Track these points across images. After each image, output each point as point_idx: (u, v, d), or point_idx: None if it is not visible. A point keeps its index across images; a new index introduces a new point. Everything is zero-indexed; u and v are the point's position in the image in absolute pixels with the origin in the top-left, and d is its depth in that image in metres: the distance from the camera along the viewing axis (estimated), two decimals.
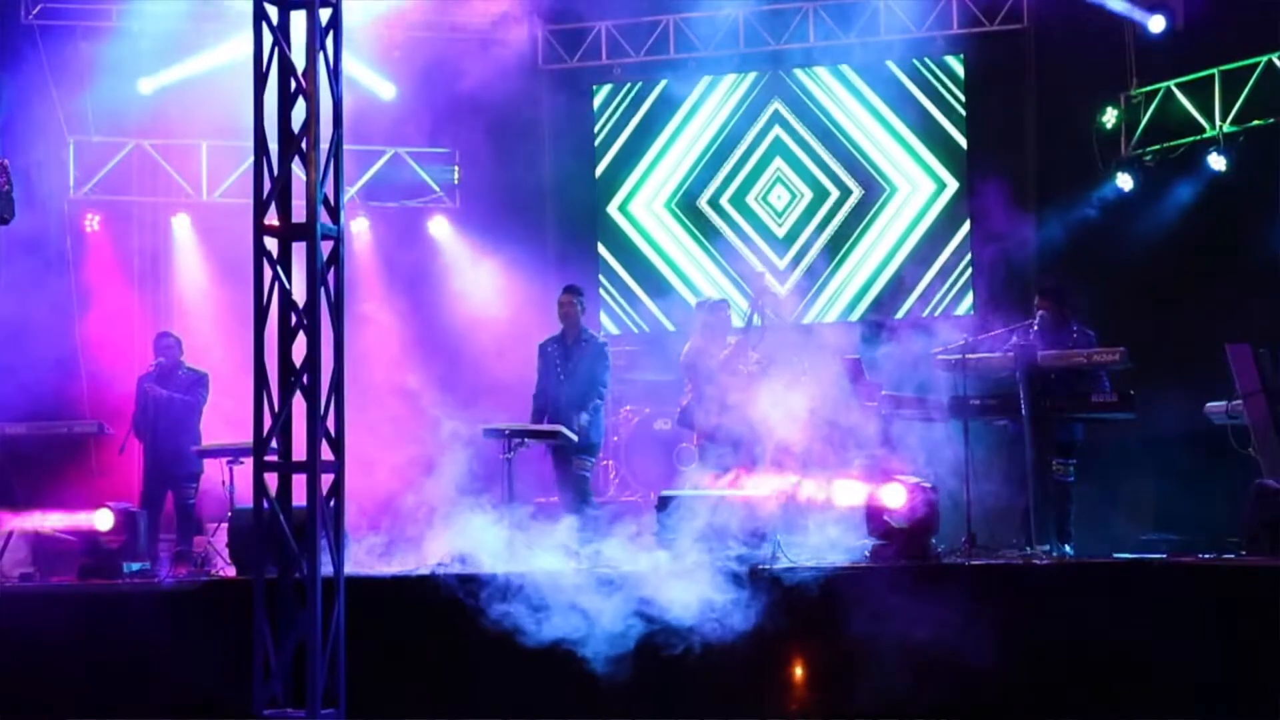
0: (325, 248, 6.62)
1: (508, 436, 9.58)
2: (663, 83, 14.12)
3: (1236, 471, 9.26)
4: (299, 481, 6.58)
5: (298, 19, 6.66)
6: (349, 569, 6.96)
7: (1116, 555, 8.83)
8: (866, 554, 8.50)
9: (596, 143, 14.25)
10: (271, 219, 6.64)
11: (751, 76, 13.98)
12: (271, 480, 6.64)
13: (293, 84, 6.66)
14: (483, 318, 13.34)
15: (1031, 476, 9.21)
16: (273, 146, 6.66)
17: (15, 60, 12.69)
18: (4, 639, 8.16)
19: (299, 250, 6.64)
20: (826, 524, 8.96)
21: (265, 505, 6.59)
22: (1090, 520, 10.08)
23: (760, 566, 8.03)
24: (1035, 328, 9.62)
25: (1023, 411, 9.19)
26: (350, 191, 13.38)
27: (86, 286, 13.07)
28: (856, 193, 13.73)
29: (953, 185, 13.51)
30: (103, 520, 9.48)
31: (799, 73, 13.84)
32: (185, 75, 13.15)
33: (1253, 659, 7.33)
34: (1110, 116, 12.42)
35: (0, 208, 8.14)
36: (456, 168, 14.11)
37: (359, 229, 13.81)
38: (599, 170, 14.27)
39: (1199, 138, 11.93)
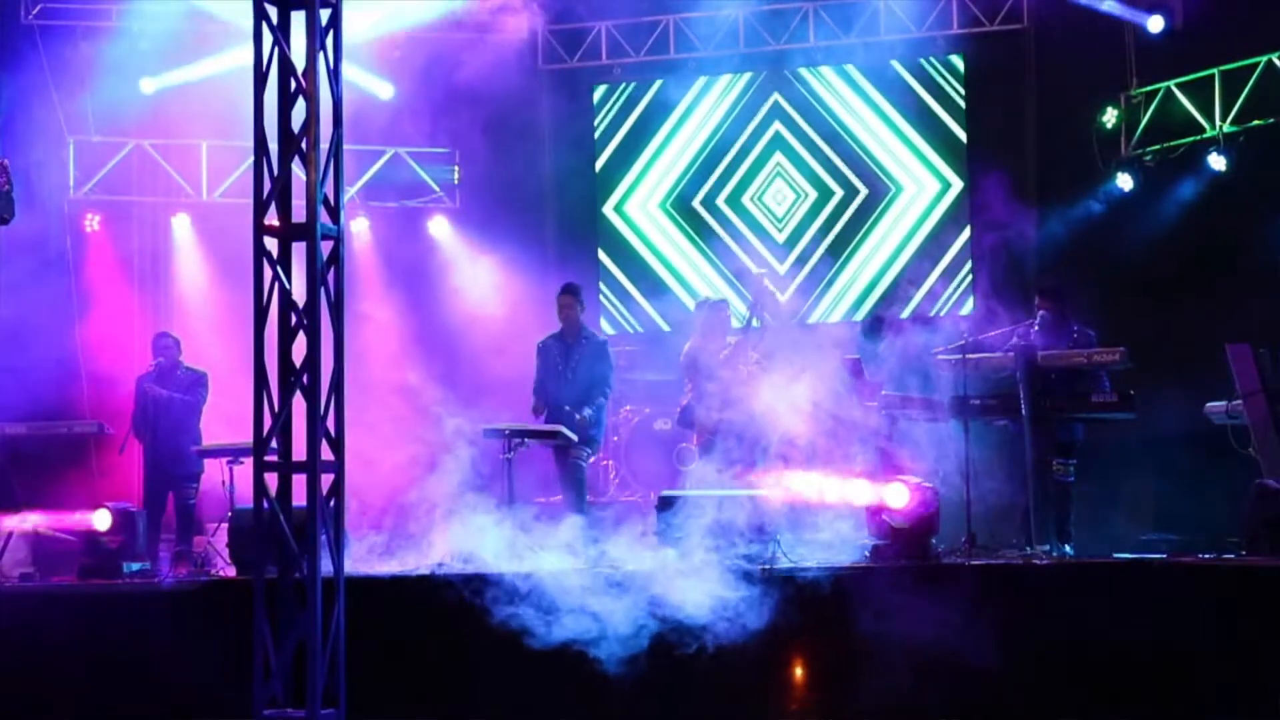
0: (325, 248, 6.62)
1: (508, 436, 9.58)
2: (658, 83, 14.12)
3: (1236, 471, 9.25)
4: (299, 481, 6.58)
5: (298, 19, 6.66)
6: (349, 568, 6.96)
7: (1116, 555, 8.83)
8: (867, 554, 8.50)
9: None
10: (271, 219, 6.64)
11: (746, 77, 13.98)
12: (271, 480, 6.63)
13: (293, 84, 6.66)
14: (482, 316, 13.35)
15: (1031, 476, 9.22)
16: (273, 146, 6.66)
17: (15, 60, 12.70)
18: (4, 639, 8.17)
19: (299, 250, 6.64)
20: (827, 524, 8.97)
21: (265, 505, 6.59)
22: (1090, 520, 10.08)
23: (761, 566, 8.02)
24: (1036, 327, 9.62)
25: (1023, 411, 9.19)
26: (350, 191, 13.38)
27: (86, 286, 13.08)
28: (863, 192, 13.71)
29: (958, 184, 13.51)
30: (101, 520, 9.47)
31: (802, 71, 13.82)
32: (187, 79, 13.17)
33: (1253, 659, 7.32)
34: (1110, 116, 12.43)
35: (0, 208, 8.15)
36: (456, 167, 14.12)
37: (359, 229, 13.81)
38: (596, 170, 14.28)
39: (1199, 138, 11.93)
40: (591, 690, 7.62)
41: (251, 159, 6.67)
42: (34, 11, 13.04)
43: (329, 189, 6.67)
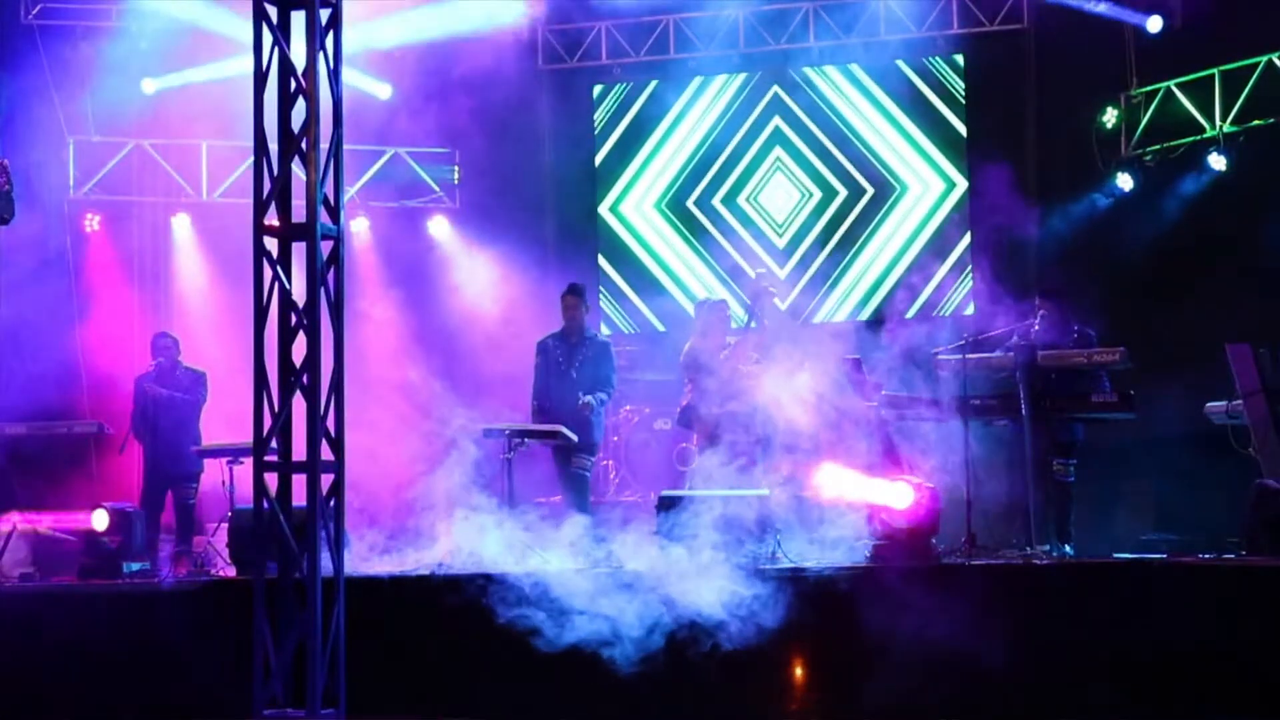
0: (325, 247, 6.62)
1: (508, 437, 9.57)
2: (653, 83, 14.11)
3: (1236, 471, 9.24)
4: (299, 481, 6.58)
5: (298, 19, 6.66)
6: (349, 568, 6.96)
7: (1116, 555, 8.83)
8: (867, 554, 8.49)
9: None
10: (271, 219, 6.64)
11: (742, 77, 13.97)
12: (271, 480, 6.64)
13: (293, 84, 6.66)
14: (482, 316, 13.35)
15: (1031, 476, 9.21)
16: (273, 146, 6.66)
17: (15, 60, 12.70)
18: (4, 639, 8.16)
19: (299, 250, 6.64)
20: (827, 524, 8.96)
21: (265, 505, 6.59)
22: (1090, 520, 10.08)
23: (761, 567, 8.02)
24: (1036, 328, 9.62)
25: (1023, 411, 9.19)
26: (350, 191, 13.38)
27: (86, 286, 13.07)
28: (869, 191, 13.69)
29: (962, 184, 13.50)
30: (99, 520, 9.47)
31: (807, 70, 13.81)
32: (188, 81, 13.17)
33: (1253, 659, 7.32)
34: (1110, 116, 12.43)
35: (0, 208, 8.15)
36: (456, 167, 14.12)
37: (359, 228, 13.81)
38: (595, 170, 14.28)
39: (1199, 137, 11.93)
40: (592, 690, 7.61)
41: (251, 159, 6.68)
42: (34, 11, 13.04)
43: (329, 189, 6.68)
